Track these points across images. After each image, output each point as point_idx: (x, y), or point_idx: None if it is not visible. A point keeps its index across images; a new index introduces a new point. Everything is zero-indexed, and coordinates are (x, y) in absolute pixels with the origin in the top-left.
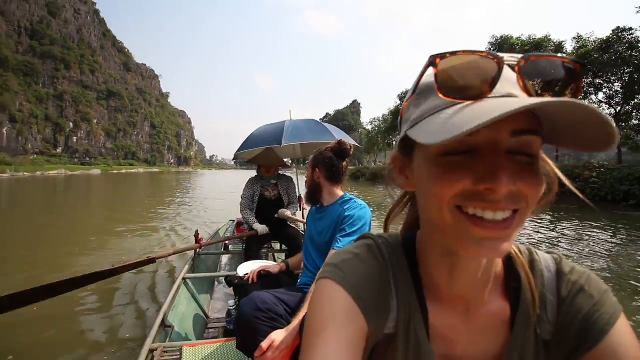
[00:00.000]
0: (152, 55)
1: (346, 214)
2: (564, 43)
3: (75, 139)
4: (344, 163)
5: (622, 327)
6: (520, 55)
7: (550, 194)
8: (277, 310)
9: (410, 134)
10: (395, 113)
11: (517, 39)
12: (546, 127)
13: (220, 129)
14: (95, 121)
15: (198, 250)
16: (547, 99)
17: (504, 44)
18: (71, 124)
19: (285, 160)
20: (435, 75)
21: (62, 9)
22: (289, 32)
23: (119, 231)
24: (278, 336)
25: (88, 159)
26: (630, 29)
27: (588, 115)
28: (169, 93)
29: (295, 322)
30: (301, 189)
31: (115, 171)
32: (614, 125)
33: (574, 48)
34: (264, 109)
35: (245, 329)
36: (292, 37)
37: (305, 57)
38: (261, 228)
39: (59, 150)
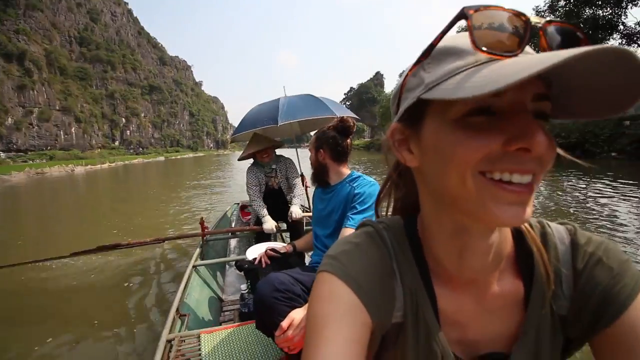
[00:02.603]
0: (183, 46)
1: (356, 191)
2: None
3: (128, 132)
4: (348, 140)
5: None
6: (543, 19)
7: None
8: (294, 290)
9: (429, 96)
10: None
11: None
12: (555, 96)
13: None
14: (142, 115)
15: (206, 236)
16: (599, 46)
17: None
18: (123, 119)
19: (277, 139)
20: (470, 27)
21: (101, 13)
22: (311, 5)
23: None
24: (297, 315)
25: (141, 149)
26: None
27: (625, 64)
28: (201, 81)
29: None
30: (302, 166)
31: (173, 157)
32: None
33: None
34: (289, 85)
35: (263, 309)
36: (314, 9)
37: (328, 31)
38: (269, 226)
39: (117, 143)
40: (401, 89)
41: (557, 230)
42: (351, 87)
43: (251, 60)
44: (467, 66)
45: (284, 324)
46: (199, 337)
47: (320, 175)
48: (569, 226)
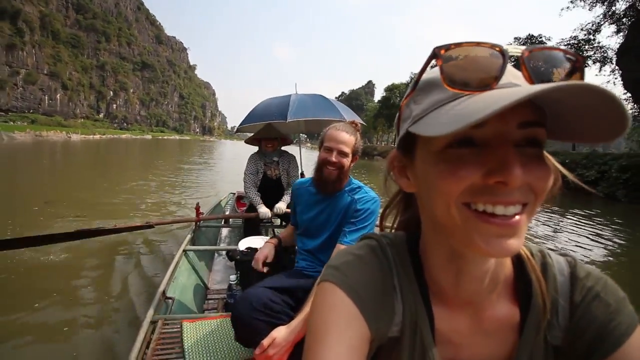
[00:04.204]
0: (181, 28)
1: (358, 206)
2: None
3: (114, 106)
4: None
5: (638, 339)
6: (523, 47)
7: (555, 186)
8: (273, 307)
9: (413, 130)
10: (383, 102)
11: None
12: (549, 120)
13: (241, 101)
14: (131, 90)
15: (198, 222)
16: (557, 83)
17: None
18: (111, 92)
19: (286, 133)
20: (441, 67)
21: None
22: (315, 3)
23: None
24: (279, 334)
25: (125, 125)
26: None
27: (599, 99)
28: (195, 65)
29: (298, 319)
30: (304, 166)
31: (159, 137)
32: (626, 110)
33: None
34: (284, 80)
35: (242, 327)
36: (313, 5)
37: (324, 30)
38: (264, 212)
39: (101, 115)
40: (399, 117)
41: (558, 261)
42: (343, 92)
43: (248, 50)
44: (447, 100)
45: (265, 342)
46: (181, 324)
47: (338, 181)
48: (569, 258)
